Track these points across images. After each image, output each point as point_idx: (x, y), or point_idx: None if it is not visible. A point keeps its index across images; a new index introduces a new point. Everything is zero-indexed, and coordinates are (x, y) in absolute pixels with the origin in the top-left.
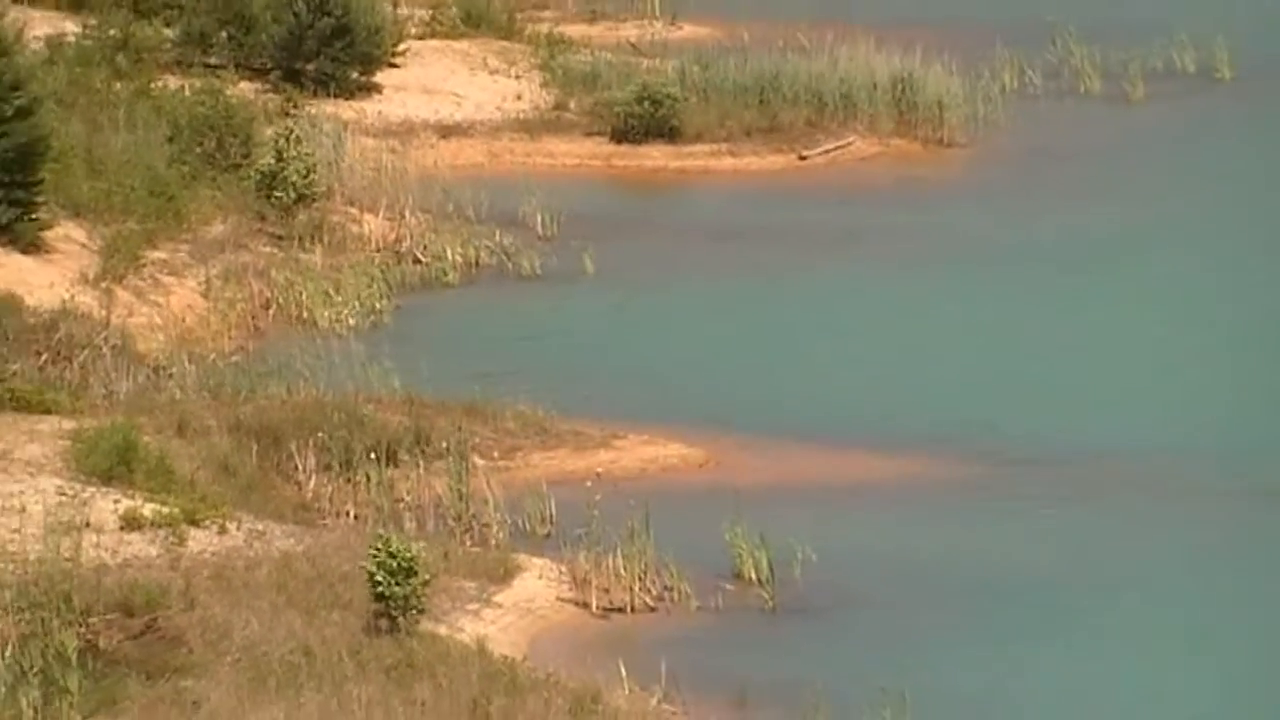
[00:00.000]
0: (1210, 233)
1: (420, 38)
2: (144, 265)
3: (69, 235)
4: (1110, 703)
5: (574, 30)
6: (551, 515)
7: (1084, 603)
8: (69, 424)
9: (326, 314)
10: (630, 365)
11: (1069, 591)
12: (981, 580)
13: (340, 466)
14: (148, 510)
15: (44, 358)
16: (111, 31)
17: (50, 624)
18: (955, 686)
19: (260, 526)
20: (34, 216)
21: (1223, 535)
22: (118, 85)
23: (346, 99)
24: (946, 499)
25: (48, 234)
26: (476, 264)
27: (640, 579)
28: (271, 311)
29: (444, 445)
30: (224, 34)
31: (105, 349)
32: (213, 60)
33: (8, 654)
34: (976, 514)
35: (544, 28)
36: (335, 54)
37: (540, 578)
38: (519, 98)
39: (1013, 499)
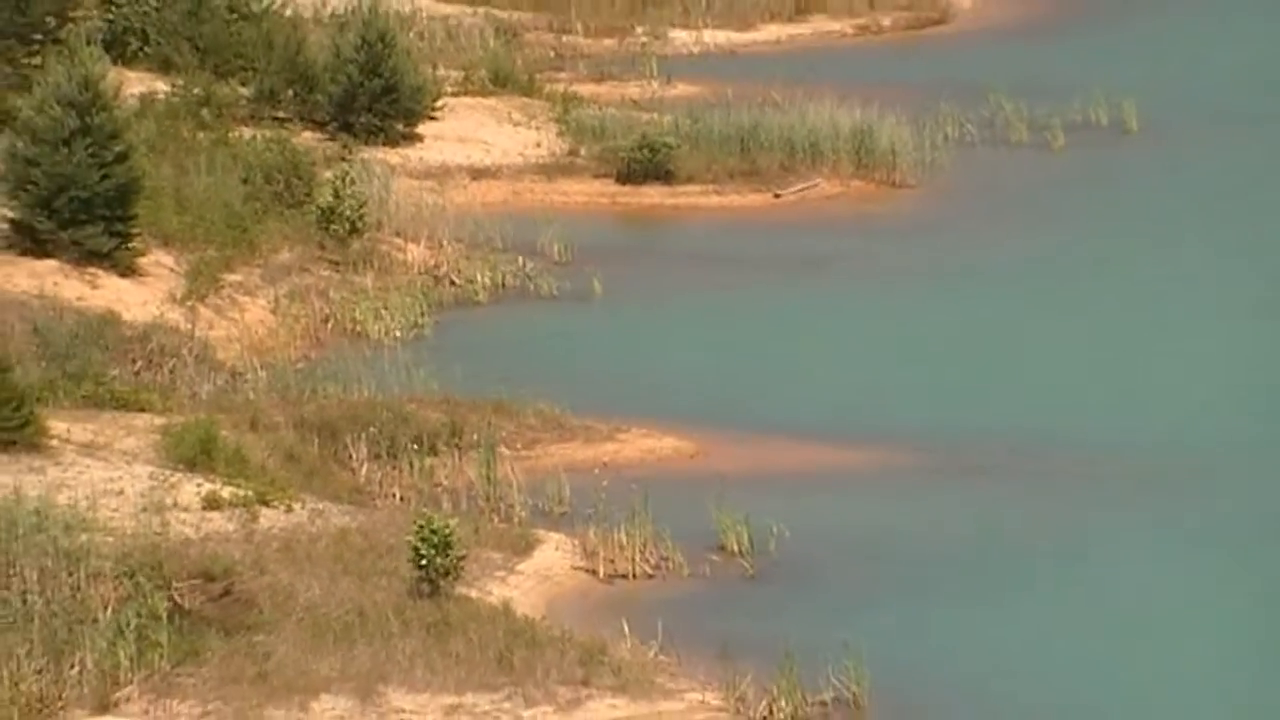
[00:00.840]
0: (1119, 257)
1: (455, 95)
2: (222, 286)
3: (159, 261)
4: (1034, 651)
5: (585, 89)
6: (566, 497)
7: (1013, 569)
8: (159, 420)
9: (376, 327)
10: (632, 370)
11: (1001, 560)
12: (929, 552)
13: (387, 456)
14: (225, 493)
15: (138, 364)
16: (195, 90)
17: (143, 588)
18: (906, 640)
19: (320, 506)
20: (130, 245)
21: (1135, 513)
22: (200, 135)
23: (393, 147)
24: (902, 483)
25: (141, 260)
26: (503, 285)
27: (640, 551)
28: (330, 325)
29: (475, 438)
30: (290, 92)
31: (189, 357)
32: (280, 114)
33: (108, 613)
34: (927, 496)
35: (559, 87)
36: (383, 109)
37: (556, 550)
38: (538, 145)
39: (957, 483)
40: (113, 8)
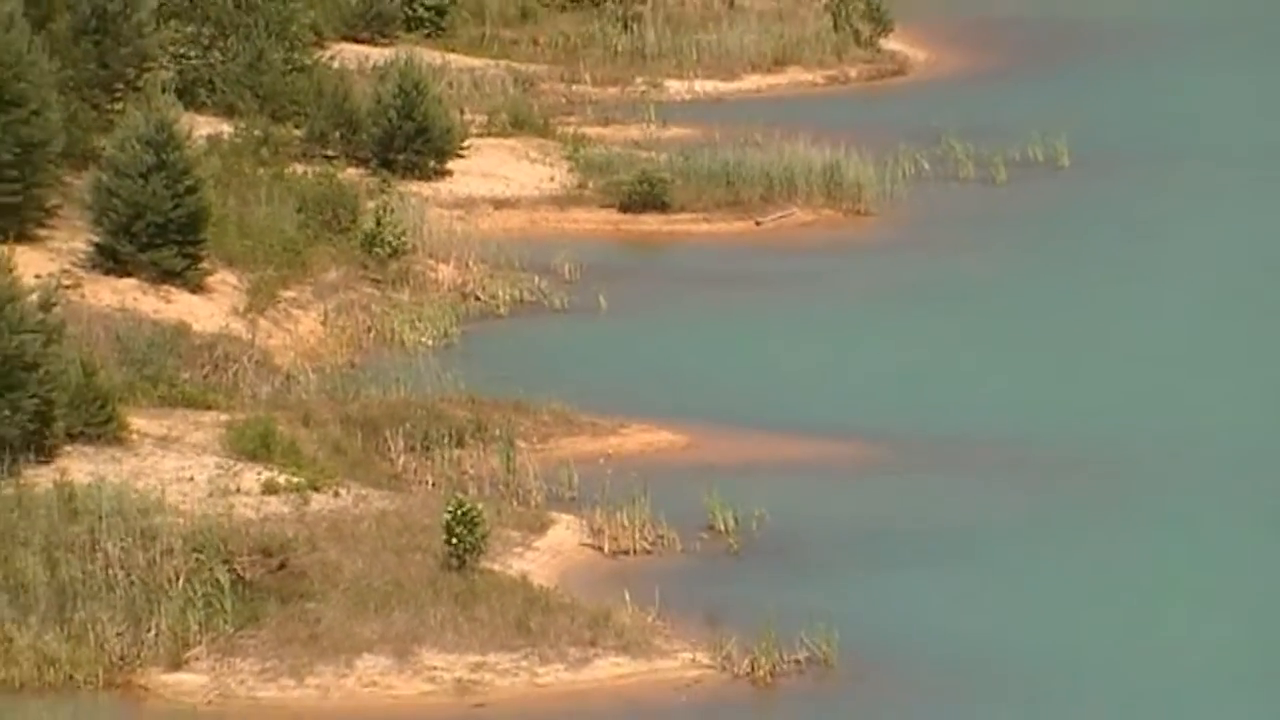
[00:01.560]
0: (1052, 274)
1: (479, 136)
2: (279, 302)
3: (224, 279)
4: (984, 615)
5: (592, 131)
6: (575, 484)
7: (964, 545)
8: (224, 417)
9: (411, 337)
10: (632, 374)
11: (952, 537)
12: (891, 531)
13: (421, 448)
14: (281, 480)
15: (206, 369)
16: (255, 132)
17: (210, 562)
18: (871, 606)
19: (363, 492)
20: (199, 266)
21: (1067, 496)
22: (260, 171)
23: (426, 181)
24: (870, 472)
25: (209, 279)
26: (521, 301)
27: (640, 530)
28: (371, 335)
29: (497, 433)
30: (337, 134)
31: (250, 363)
32: (329, 153)
33: (179, 584)
34: (893, 483)
35: (570, 129)
36: (418, 148)
37: (567, 529)
38: (551, 180)
39: (914, 472)
40: (184, 60)
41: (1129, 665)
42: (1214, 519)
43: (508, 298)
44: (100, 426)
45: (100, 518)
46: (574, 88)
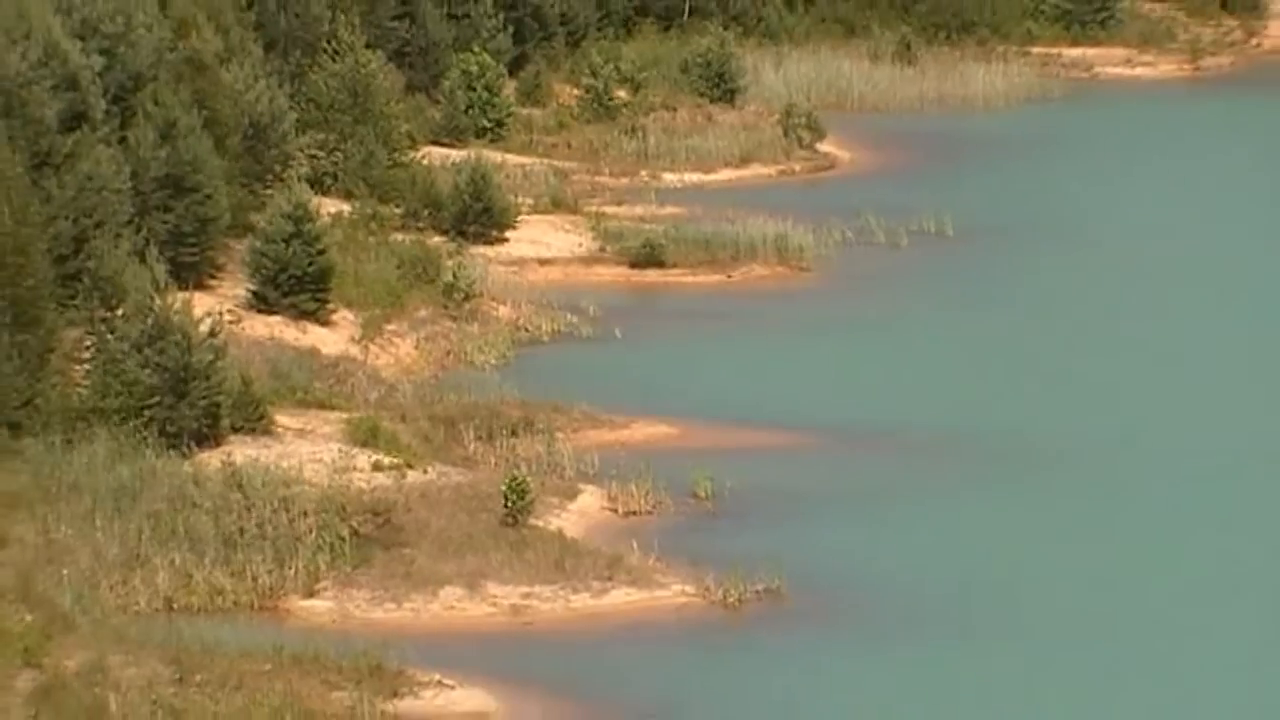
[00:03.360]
0: (943, 310)
1: (527, 214)
2: (383, 332)
3: (344, 316)
4: (909, 556)
5: (609, 209)
6: (597, 464)
7: (892, 506)
8: (344, 415)
9: (479, 358)
10: (639, 384)
11: (883, 501)
12: (832, 496)
13: (486, 438)
14: (385, 461)
15: (331, 381)
16: (366, 210)
17: (333, 520)
18: (812, 552)
19: (444, 469)
20: (326, 307)
21: (958, 469)
22: (370, 238)
23: (489, 245)
24: (812, 453)
25: (333, 316)
26: (558, 332)
27: (643, 497)
28: (450, 356)
29: (540, 427)
30: (425, 211)
31: (363, 376)
32: (419, 225)
33: (312, 536)
34: (830, 461)
35: (594, 208)
36: (483, 222)
37: (591, 496)
38: (580, 245)
39: (850, 453)
40: (315, 159)
41: (1007, 593)
42: (1079, 482)
43: (548, 329)
44: (255, 422)
45: (255, 488)
46: (596, 178)
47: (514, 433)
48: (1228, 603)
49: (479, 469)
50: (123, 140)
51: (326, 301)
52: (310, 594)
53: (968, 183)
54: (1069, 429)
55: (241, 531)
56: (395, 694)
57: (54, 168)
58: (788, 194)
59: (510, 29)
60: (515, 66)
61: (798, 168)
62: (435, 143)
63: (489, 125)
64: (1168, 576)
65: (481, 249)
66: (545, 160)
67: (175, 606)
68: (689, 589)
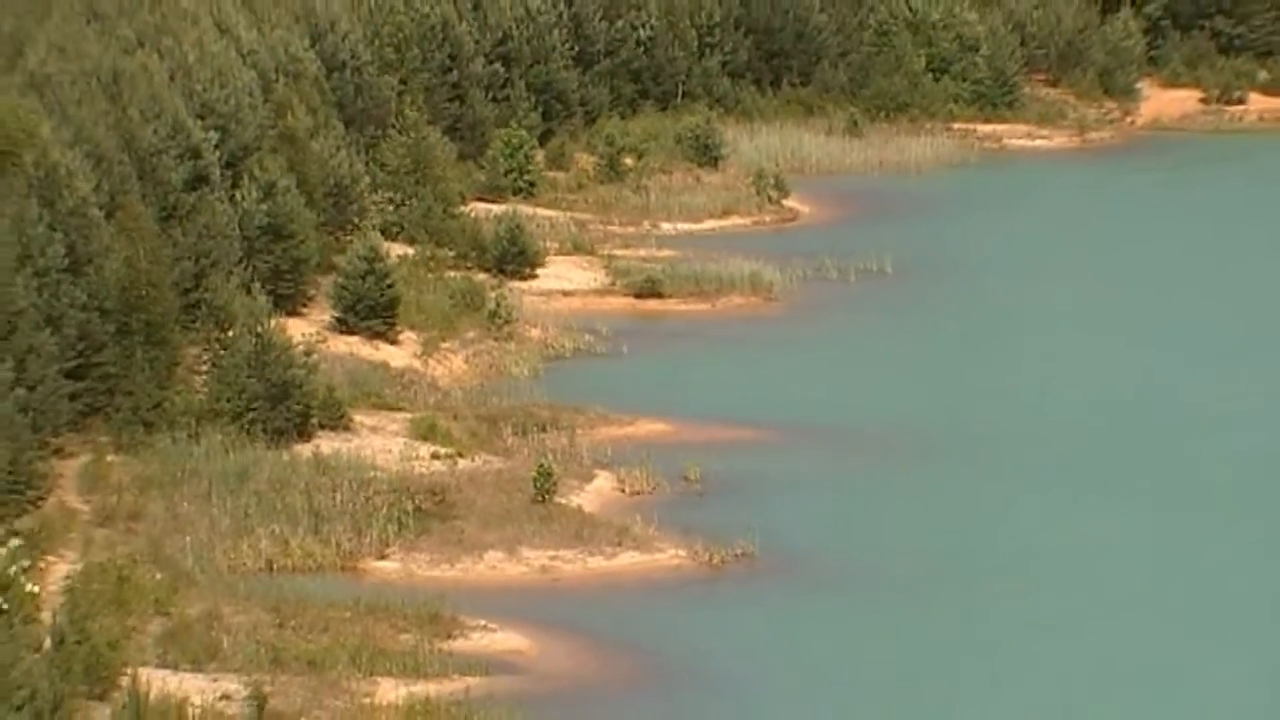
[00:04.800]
0: (884, 329)
1: (553, 255)
2: (440, 350)
3: (409, 337)
4: (850, 528)
5: (619, 251)
6: (609, 454)
7: (850, 485)
8: (409, 415)
9: (516, 370)
10: (642, 390)
11: (843, 481)
12: (794, 479)
13: (521, 433)
14: (441, 451)
15: (398, 388)
16: (426, 253)
17: (400, 498)
18: (780, 523)
19: (488, 458)
20: (394, 329)
21: (897, 458)
22: (429, 275)
23: (523, 281)
24: (780, 446)
25: (399, 336)
26: (578, 349)
27: (645, 480)
28: (493, 369)
29: (564, 424)
30: (473, 254)
31: (424, 384)
32: (468, 265)
33: (383, 511)
34: (794, 452)
35: (606, 251)
36: (519, 262)
37: (604, 480)
38: (595, 280)
39: (811, 446)
40: (385, 212)
41: (924, 552)
42: (987, 464)
43: (570, 347)
44: (337, 420)
45: (338, 473)
46: (607, 227)
47: (543, 429)
48: (1100, 549)
49: (515, 458)
50: (233, 198)
51: (394, 325)
52: (381, 557)
53: (902, 231)
54: (980, 422)
55: (327, 507)
56: (449, 636)
57: (179, 219)
58: (759, 240)
59: (540, 109)
60: (544, 139)
61: (767, 219)
62: (480, 199)
63: (523, 185)
64: (1054, 537)
65: (517, 283)
66: (567, 213)
67: (275, 567)
68: (681, 552)
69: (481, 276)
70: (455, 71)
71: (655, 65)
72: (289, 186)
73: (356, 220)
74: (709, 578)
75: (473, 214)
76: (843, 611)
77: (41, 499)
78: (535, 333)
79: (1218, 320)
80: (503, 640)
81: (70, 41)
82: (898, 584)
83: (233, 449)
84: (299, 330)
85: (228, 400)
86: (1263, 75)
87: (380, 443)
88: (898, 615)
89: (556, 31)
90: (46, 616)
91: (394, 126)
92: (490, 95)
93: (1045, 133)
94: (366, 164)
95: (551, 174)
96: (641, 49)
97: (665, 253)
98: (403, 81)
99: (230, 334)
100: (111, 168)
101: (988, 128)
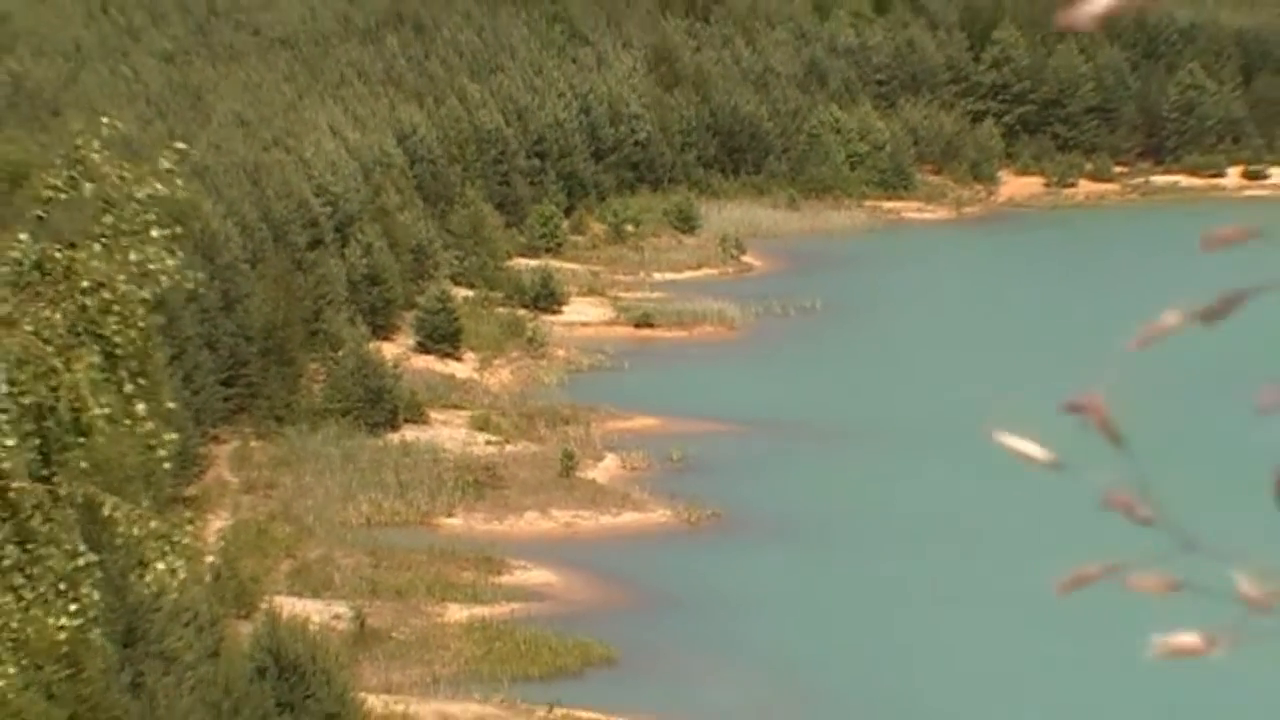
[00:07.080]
0: (818, 351)
1: (575, 296)
2: (492, 365)
3: (470, 356)
4: (803, 496)
5: (622, 294)
6: (615, 441)
7: (804, 462)
8: (470, 413)
9: (547, 380)
10: (640, 394)
11: (800, 462)
12: (758, 461)
13: (550, 426)
14: (494, 437)
15: (461, 393)
16: (482, 295)
17: (463, 473)
18: (744, 491)
19: (527, 444)
20: (458, 350)
21: (847, 445)
22: (483, 311)
23: (552, 315)
24: (749, 437)
25: (463, 356)
26: (592, 365)
27: (642, 460)
28: (530, 380)
29: (582, 420)
30: (515, 295)
31: (481, 390)
32: (512, 303)
33: (451, 482)
34: (760, 441)
35: (613, 293)
36: (549, 300)
37: (611, 460)
38: (605, 314)
39: (775, 436)
40: (452, 265)
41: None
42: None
43: (586, 363)
44: (417, 417)
45: (416, 456)
46: (614, 276)
47: (566, 423)
48: (976, 506)
49: (546, 444)
50: (342, 255)
51: (459, 347)
52: (449, 515)
53: (828, 279)
54: (889, 415)
55: (410, 480)
56: (498, 573)
57: (303, 270)
58: (724, 286)
59: (565, 190)
60: (568, 212)
61: (730, 270)
62: (521, 256)
63: (552, 246)
64: (945, 499)
65: (548, 317)
66: (585, 266)
67: (372, 523)
68: (668, 513)
69: (522, 312)
70: (504, 164)
71: (649, 158)
72: (382, 247)
73: (431, 271)
74: (688, 532)
75: (515, 267)
76: (790, 556)
77: (202, 474)
78: (561, 353)
79: (1050, 334)
80: (537, 576)
81: (224, 141)
82: (831, 535)
83: (341, 437)
84: (389, 351)
85: (338, 401)
86: (1089, 166)
87: (448, 433)
88: (830, 558)
89: (578, 135)
90: (209, 559)
91: (458, 203)
92: (529, 180)
93: (931, 208)
94: (438, 230)
95: (573, 237)
96: (639, 147)
97: (656, 295)
98: (465, 170)
99: (340, 354)
100: (254, 233)
101: (890, 204)
